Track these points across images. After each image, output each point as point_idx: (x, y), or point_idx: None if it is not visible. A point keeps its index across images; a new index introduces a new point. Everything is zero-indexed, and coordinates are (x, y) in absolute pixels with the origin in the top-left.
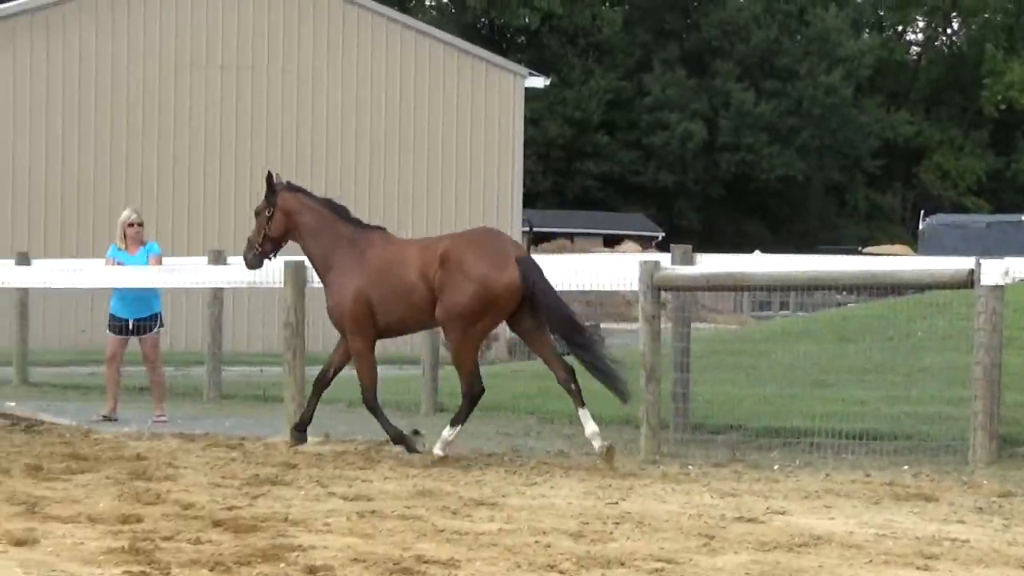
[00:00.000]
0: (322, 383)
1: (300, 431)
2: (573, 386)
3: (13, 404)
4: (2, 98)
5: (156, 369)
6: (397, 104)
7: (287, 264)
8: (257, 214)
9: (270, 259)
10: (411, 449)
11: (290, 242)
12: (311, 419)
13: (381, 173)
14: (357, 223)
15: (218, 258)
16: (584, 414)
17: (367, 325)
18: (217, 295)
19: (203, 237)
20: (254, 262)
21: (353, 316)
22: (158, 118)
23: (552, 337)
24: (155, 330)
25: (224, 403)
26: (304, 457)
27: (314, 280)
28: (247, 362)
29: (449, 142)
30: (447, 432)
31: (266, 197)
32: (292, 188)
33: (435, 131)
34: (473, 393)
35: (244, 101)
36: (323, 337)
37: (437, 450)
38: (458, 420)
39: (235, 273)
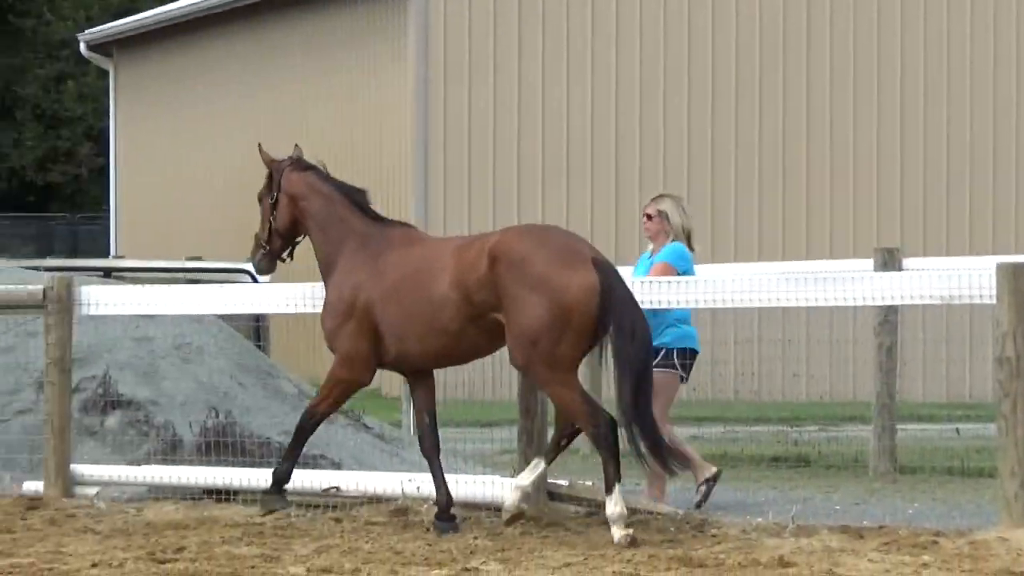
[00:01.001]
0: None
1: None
2: (564, 442)
3: (565, 483)
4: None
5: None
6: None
7: (1001, 268)
8: (260, 201)
9: (283, 260)
10: (268, 506)
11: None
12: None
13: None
14: (375, 216)
15: (889, 260)
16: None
17: (364, 351)
18: (888, 317)
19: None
20: (263, 264)
21: (349, 332)
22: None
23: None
24: (670, 371)
25: (903, 479)
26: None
27: None
28: (922, 415)
29: None
30: (610, 507)
31: (267, 180)
32: (300, 165)
33: None
34: (601, 434)
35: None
36: None
37: (618, 534)
38: (611, 481)
39: (913, 284)
